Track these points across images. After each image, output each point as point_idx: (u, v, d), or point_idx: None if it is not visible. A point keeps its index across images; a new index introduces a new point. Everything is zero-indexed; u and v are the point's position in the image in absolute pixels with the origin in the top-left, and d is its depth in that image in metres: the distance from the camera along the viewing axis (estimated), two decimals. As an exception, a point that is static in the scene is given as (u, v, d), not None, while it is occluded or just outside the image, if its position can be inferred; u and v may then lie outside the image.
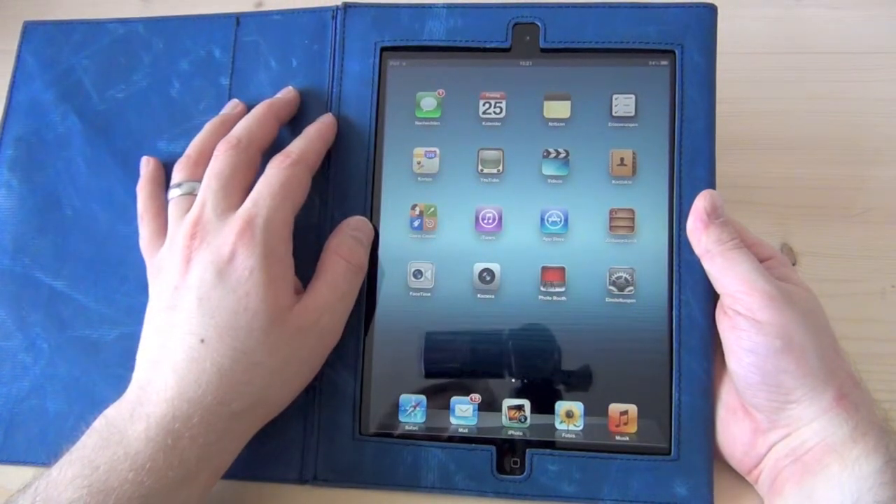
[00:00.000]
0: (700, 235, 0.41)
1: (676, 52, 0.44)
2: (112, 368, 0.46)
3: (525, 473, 0.42)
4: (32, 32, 0.51)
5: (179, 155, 0.47)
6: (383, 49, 0.46)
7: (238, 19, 0.49)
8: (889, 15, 0.54)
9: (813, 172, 0.50)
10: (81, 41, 0.51)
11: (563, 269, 0.43)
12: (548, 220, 0.44)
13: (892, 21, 0.53)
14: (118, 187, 0.48)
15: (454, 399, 0.43)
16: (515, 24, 0.45)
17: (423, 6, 0.46)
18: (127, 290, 0.46)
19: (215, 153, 0.42)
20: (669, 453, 0.41)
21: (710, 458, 0.41)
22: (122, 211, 0.48)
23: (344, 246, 0.43)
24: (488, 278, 0.44)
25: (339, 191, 0.45)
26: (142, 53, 0.50)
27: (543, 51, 0.45)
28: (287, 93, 0.46)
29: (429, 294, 0.44)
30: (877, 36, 0.53)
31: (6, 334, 0.47)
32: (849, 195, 0.50)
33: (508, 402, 0.43)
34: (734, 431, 0.41)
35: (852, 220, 0.49)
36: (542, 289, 0.43)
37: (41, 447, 0.45)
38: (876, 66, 0.53)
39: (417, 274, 0.44)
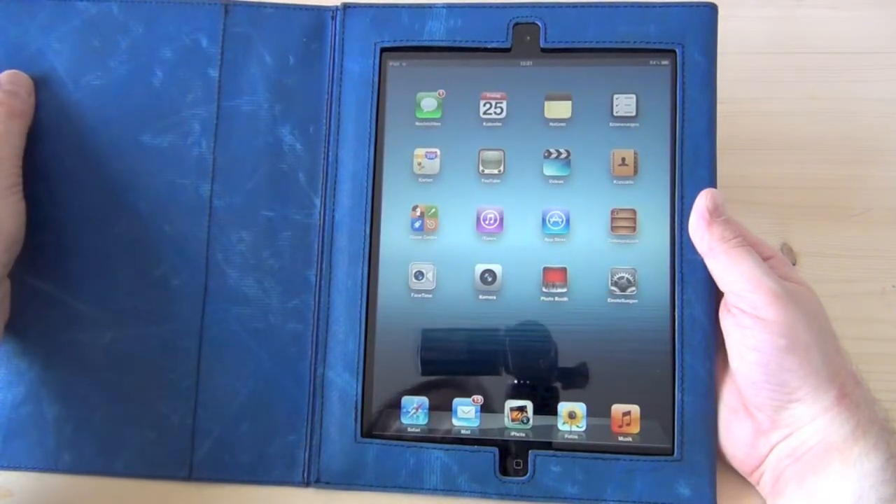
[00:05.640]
0: (703, 233, 0.41)
1: (677, 51, 0.44)
2: (107, 373, 0.45)
3: (528, 475, 0.42)
4: None
5: (165, 150, 0.46)
6: (383, 49, 0.46)
7: (226, 7, 0.47)
8: (889, 15, 0.54)
9: (813, 172, 0.50)
10: (49, 21, 0.47)
11: (564, 269, 0.43)
12: (549, 221, 0.44)
13: (892, 21, 0.53)
14: (101, 184, 0.46)
15: (456, 401, 0.43)
16: (516, 24, 0.45)
17: (423, 6, 0.46)
18: (119, 293, 0.45)
19: None
20: (672, 454, 0.41)
21: (713, 458, 0.41)
22: (108, 209, 0.46)
23: None
24: (490, 279, 0.44)
25: (339, 192, 0.45)
26: (118, 37, 0.47)
27: (544, 51, 0.45)
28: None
29: (430, 295, 0.44)
30: (877, 36, 0.53)
31: None
32: (849, 195, 0.50)
33: (511, 404, 0.43)
34: (736, 432, 0.41)
35: (852, 220, 0.49)
36: (544, 289, 0.43)
37: (41, 452, 0.44)
38: (876, 66, 0.53)
39: (419, 275, 0.44)
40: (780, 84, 0.52)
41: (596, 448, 0.42)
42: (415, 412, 0.43)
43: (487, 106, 0.45)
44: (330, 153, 0.46)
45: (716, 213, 0.41)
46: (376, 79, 0.45)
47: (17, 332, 0.45)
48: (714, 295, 0.42)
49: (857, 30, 0.53)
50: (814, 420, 0.38)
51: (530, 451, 0.42)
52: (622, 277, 0.43)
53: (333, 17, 0.47)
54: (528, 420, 0.42)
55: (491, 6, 0.46)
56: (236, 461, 0.44)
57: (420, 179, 0.45)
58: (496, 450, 0.42)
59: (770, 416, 0.39)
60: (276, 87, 0.47)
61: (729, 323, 0.40)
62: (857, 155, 0.51)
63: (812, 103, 0.52)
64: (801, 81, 0.52)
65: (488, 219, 0.44)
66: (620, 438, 0.42)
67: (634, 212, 0.43)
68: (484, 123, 0.45)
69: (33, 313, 0.46)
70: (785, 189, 0.50)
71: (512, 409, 0.43)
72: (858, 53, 0.53)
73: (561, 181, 0.44)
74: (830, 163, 0.51)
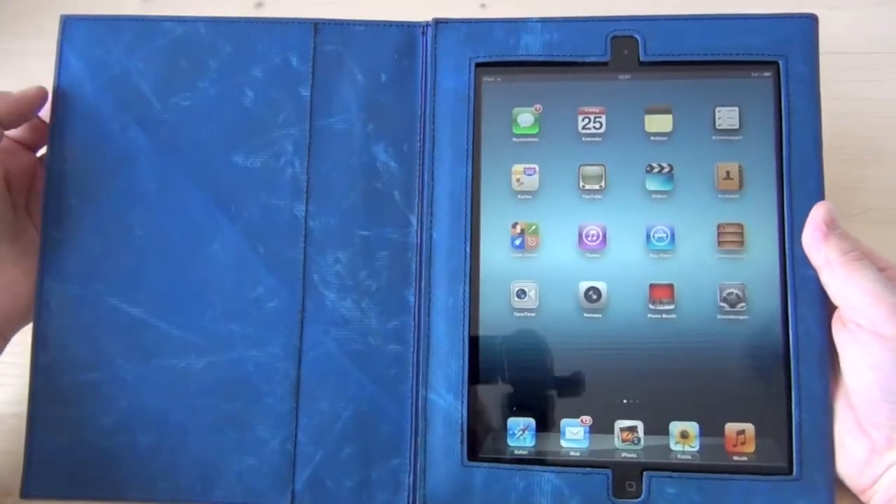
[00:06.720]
0: (819, 246, 0.40)
1: (781, 63, 0.43)
2: (202, 399, 0.44)
3: (643, 496, 0.41)
4: (73, 29, 0.47)
5: (258, 171, 0.45)
6: (478, 65, 0.45)
7: (316, 26, 0.47)
8: (889, 15, 0.53)
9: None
10: (133, 41, 0.47)
11: (671, 286, 0.42)
12: (654, 237, 0.43)
13: (892, 21, 0.53)
14: (192, 205, 0.45)
15: (564, 421, 0.42)
16: (614, 38, 0.44)
17: (517, 20, 0.45)
18: (212, 317, 0.44)
19: None
20: (790, 473, 0.40)
21: (832, 476, 0.40)
22: (199, 231, 0.45)
23: None
24: (595, 297, 0.43)
25: (436, 210, 0.44)
26: (206, 58, 0.46)
27: (643, 64, 0.44)
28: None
29: (533, 314, 0.43)
30: (877, 36, 0.53)
31: (86, 367, 0.44)
32: (849, 195, 0.50)
33: (620, 424, 0.42)
34: (849, 449, 0.40)
35: (852, 220, 0.49)
36: (651, 307, 0.42)
37: (136, 482, 0.43)
38: (876, 66, 0.52)
39: (521, 294, 0.43)
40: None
41: (711, 468, 0.41)
42: (521, 434, 0.42)
43: (586, 121, 0.44)
44: (425, 171, 0.45)
45: (832, 226, 0.40)
46: (472, 94, 0.45)
47: (105, 360, 0.44)
48: (828, 310, 0.41)
49: (857, 30, 0.53)
50: None
51: (644, 473, 0.41)
52: (731, 293, 0.42)
53: (424, 33, 0.46)
54: (639, 440, 0.42)
55: (587, 20, 0.45)
56: (339, 486, 0.43)
57: (519, 196, 0.44)
58: (610, 472, 0.41)
59: (887, 434, 0.38)
60: (368, 105, 0.46)
61: (844, 339, 0.39)
62: (857, 155, 0.51)
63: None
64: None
65: (591, 235, 0.43)
66: (735, 458, 0.41)
67: (741, 226, 0.43)
68: (583, 138, 0.44)
69: (122, 339, 0.45)
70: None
71: (622, 430, 0.42)
72: (858, 53, 0.53)
73: (664, 196, 0.43)
74: (830, 163, 0.49)
